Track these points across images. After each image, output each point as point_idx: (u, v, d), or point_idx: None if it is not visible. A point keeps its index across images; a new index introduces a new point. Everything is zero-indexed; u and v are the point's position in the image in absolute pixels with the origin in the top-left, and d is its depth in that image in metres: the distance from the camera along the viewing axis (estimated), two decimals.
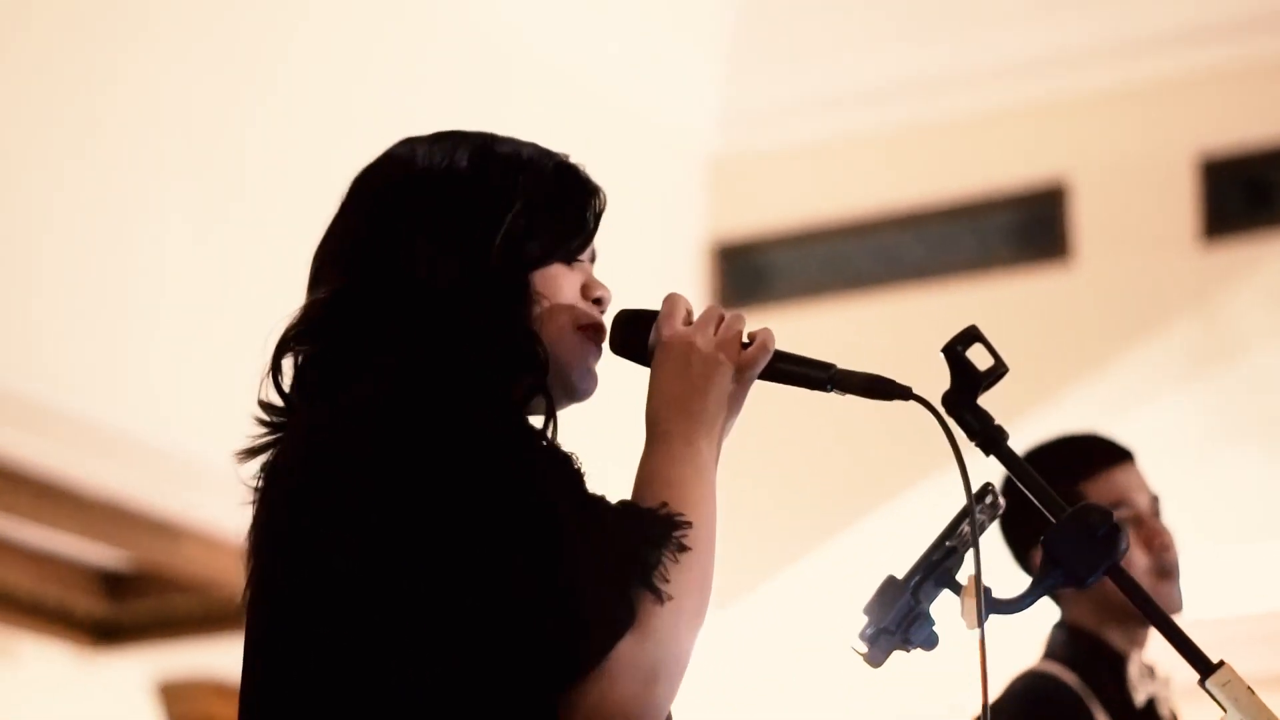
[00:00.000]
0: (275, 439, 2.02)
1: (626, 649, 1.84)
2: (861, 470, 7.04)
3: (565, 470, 1.91)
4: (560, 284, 2.05)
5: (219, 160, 5.99)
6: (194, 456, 5.70)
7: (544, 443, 1.95)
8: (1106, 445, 3.33)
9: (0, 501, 5.86)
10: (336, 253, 2.06)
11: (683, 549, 1.89)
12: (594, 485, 1.92)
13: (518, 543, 1.84)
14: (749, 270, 7.62)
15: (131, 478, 5.86)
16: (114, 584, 7.25)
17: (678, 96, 7.59)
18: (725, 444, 2.05)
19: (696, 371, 2.01)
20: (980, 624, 1.94)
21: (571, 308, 2.05)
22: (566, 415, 2.06)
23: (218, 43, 6.04)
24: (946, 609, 1.99)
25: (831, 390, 2.04)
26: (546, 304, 2.03)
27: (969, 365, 2.03)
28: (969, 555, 1.98)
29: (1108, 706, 3.21)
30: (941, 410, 2.00)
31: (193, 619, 7.17)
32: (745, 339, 2.04)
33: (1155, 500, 3.30)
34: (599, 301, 2.08)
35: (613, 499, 1.93)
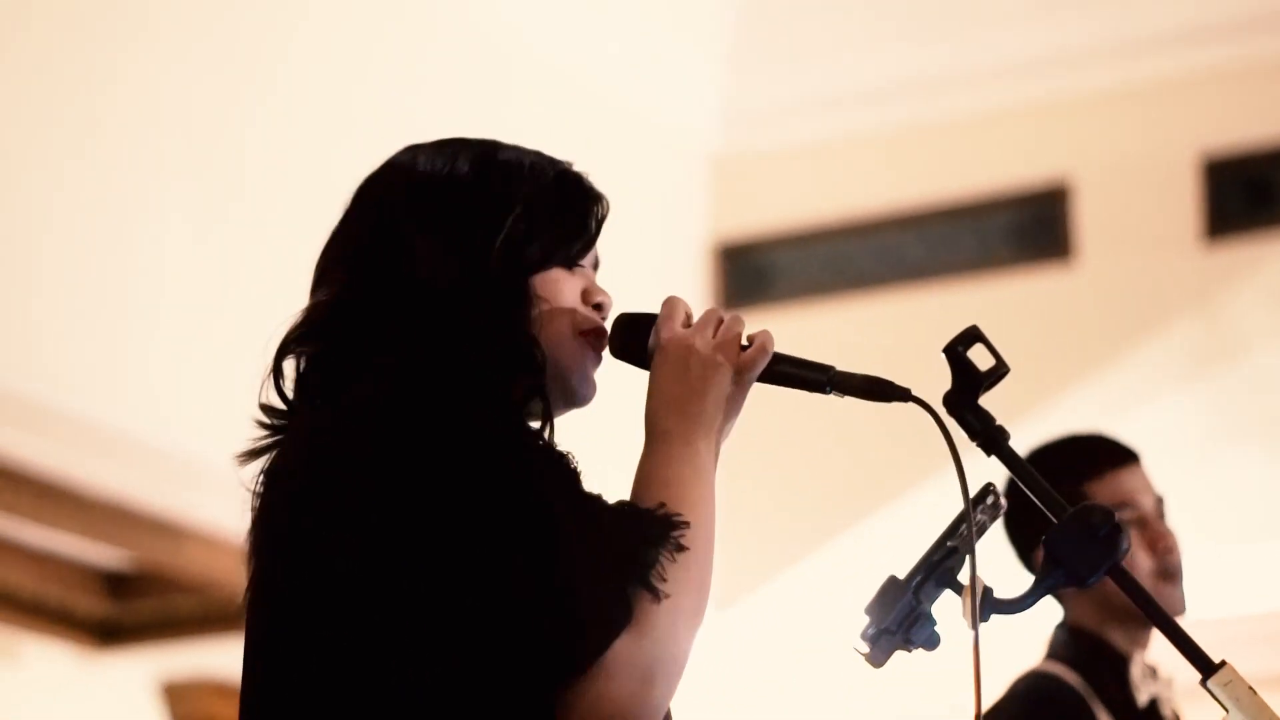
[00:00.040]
0: (276, 441, 2.02)
1: (624, 647, 1.85)
2: (862, 471, 7.04)
3: (562, 469, 1.91)
4: (560, 288, 2.06)
5: (219, 160, 5.98)
6: (194, 456, 5.70)
7: (541, 443, 1.95)
8: (1112, 446, 3.33)
9: (1, 502, 5.85)
10: (339, 257, 2.07)
11: (680, 548, 1.89)
12: (592, 487, 1.92)
13: (516, 542, 1.84)
14: (750, 270, 7.61)
15: (132, 478, 5.86)
16: (116, 584, 7.25)
17: (678, 96, 7.59)
18: (725, 445, 2.05)
19: (695, 373, 2.01)
20: (975, 626, 1.94)
21: (571, 312, 2.06)
22: (565, 418, 2.06)
23: (218, 43, 6.03)
24: (948, 609, 1.99)
25: (831, 392, 2.04)
26: (546, 307, 2.04)
27: (970, 365, 2.03)
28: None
29: (1110, 707, 3.21)
30: (939, 412, 2.00)
31: (194, 619, 7.17)
32: (744, 341, 2.04)
33: (1160, 502, 3.30)
34: (600, 307, 2.09)
35: (611, 500, 1.93)
